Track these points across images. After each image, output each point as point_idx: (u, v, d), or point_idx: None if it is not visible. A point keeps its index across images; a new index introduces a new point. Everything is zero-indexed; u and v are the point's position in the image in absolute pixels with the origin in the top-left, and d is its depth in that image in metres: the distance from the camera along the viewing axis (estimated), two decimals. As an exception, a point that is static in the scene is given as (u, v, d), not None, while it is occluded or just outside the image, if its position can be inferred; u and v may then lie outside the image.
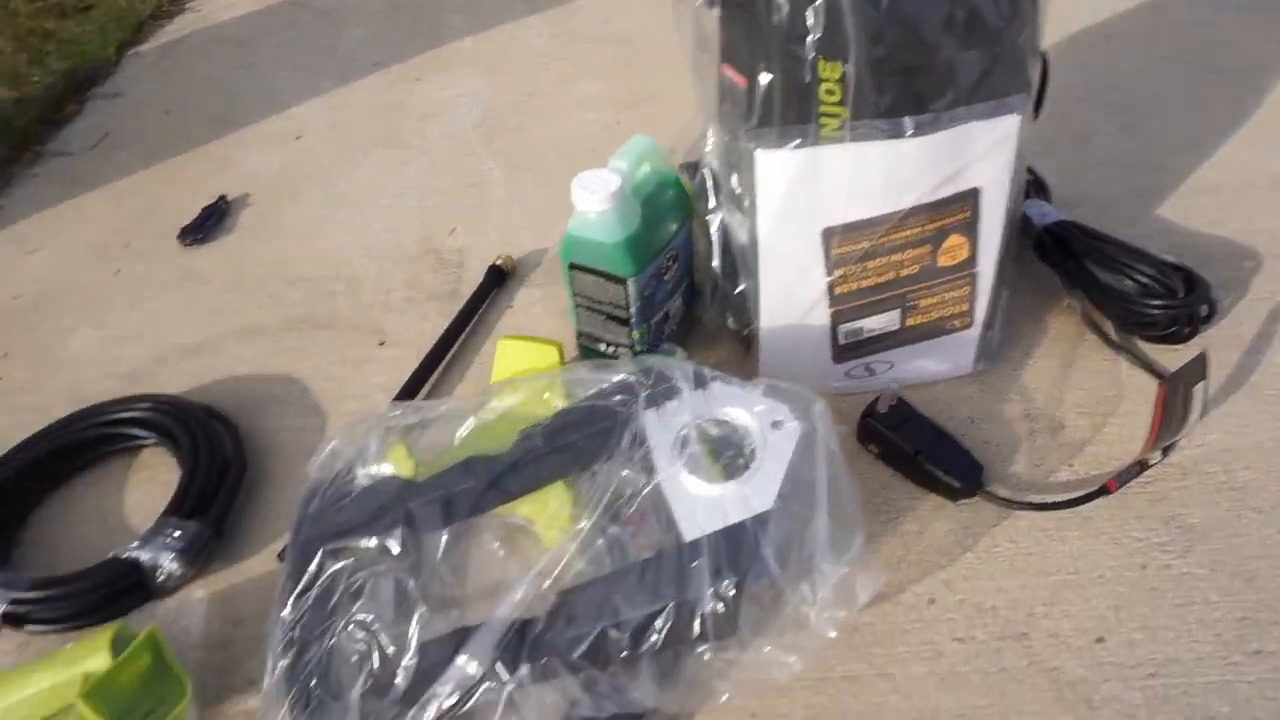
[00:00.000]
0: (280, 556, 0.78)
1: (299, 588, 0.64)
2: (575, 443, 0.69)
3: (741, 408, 0.68)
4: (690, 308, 0.94)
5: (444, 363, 0.94)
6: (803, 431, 0.65)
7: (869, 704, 0.67)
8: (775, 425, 0.66)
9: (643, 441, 0.68)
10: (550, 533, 0.73)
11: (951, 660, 0.69)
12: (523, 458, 0.71)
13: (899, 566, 0.74)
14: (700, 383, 0.69)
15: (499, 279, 1.03)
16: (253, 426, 0.89)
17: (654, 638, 0.59)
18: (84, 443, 0.86)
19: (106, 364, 0.99)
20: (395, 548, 0.64)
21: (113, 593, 0.74)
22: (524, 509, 0.73)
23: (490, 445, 0.75)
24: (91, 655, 0.66)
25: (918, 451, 0.78)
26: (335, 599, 0.62)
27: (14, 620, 0.74)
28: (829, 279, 0.78)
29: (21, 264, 1.16)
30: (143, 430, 0.86)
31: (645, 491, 0.66)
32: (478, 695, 0.61)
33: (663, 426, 0.68)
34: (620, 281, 0.81)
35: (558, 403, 0.74)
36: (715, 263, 0.86)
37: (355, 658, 0.60)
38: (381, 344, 0.98)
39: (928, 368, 0.87)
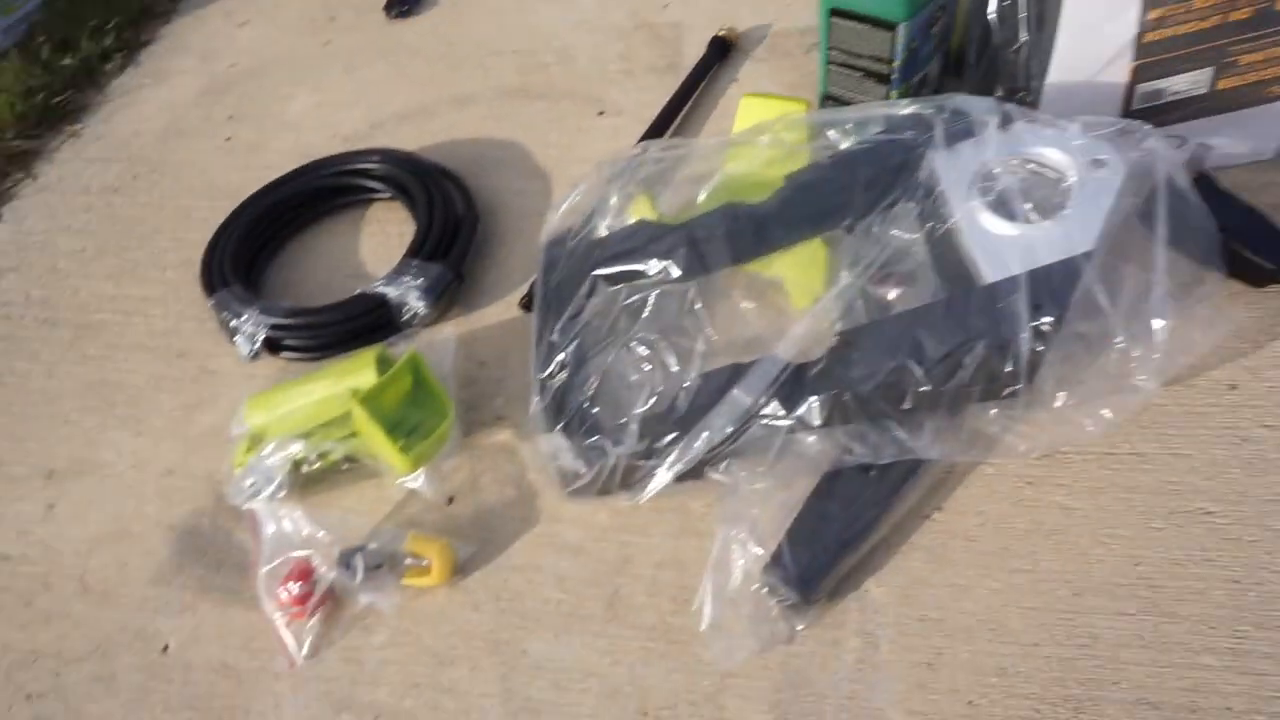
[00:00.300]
0: (523, 304, 0.76)
1: (568, 313, 0.63)
2: (855, 183, 0.63)
3: (1055, 147, 0.60)
4: (940, 80, 0.85)
5: (670, 131, 0.90)
6: (1130, 169, 0.58)
7: (1161, 481, 0.61)
8: (1096, 164, 0.59)
9: (935, 181, 0.62)
10: (800, 294, 0.69)
11: (1260, 446, 0.62)
12: (788, 204, 0.66)
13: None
14: (1006, 120, 0.62)
15: (722, 51, 0.96)
16: (478, 187, 0.87)
17: (961, 374, 0.55)
18: (323, 190, 0.86)
19: (326, 127, 0.98)
20: (677, 270, 0.61)
21: (362, 325, 0.75)
22: (778, 265, 0.69)
23: (742, 197, 0.71)
24: (359, 372, 0.66)
25: (1223, 229, 0.69)
26: (612, 320, 0.60)
27: (271, 346, 0.76)
28: (1141, 22, 0.68)
29: (233, 36, 1.16)
30: (377, 183, 0.85)
31: (938, 235, 0.61)
32: (751, 430, 0.59)
33: (958, 165, 0.61)
34: (889, 28, 0.73)
35: (831, 141, 0.68)
36: (992, 13, 0.76)
37: (636, 377, 0.58)
38: (601, 113, 0.94)
39: (1226, 147, 0.76)
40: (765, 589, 0.58)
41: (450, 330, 0.76)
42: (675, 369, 0.57)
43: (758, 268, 0.70)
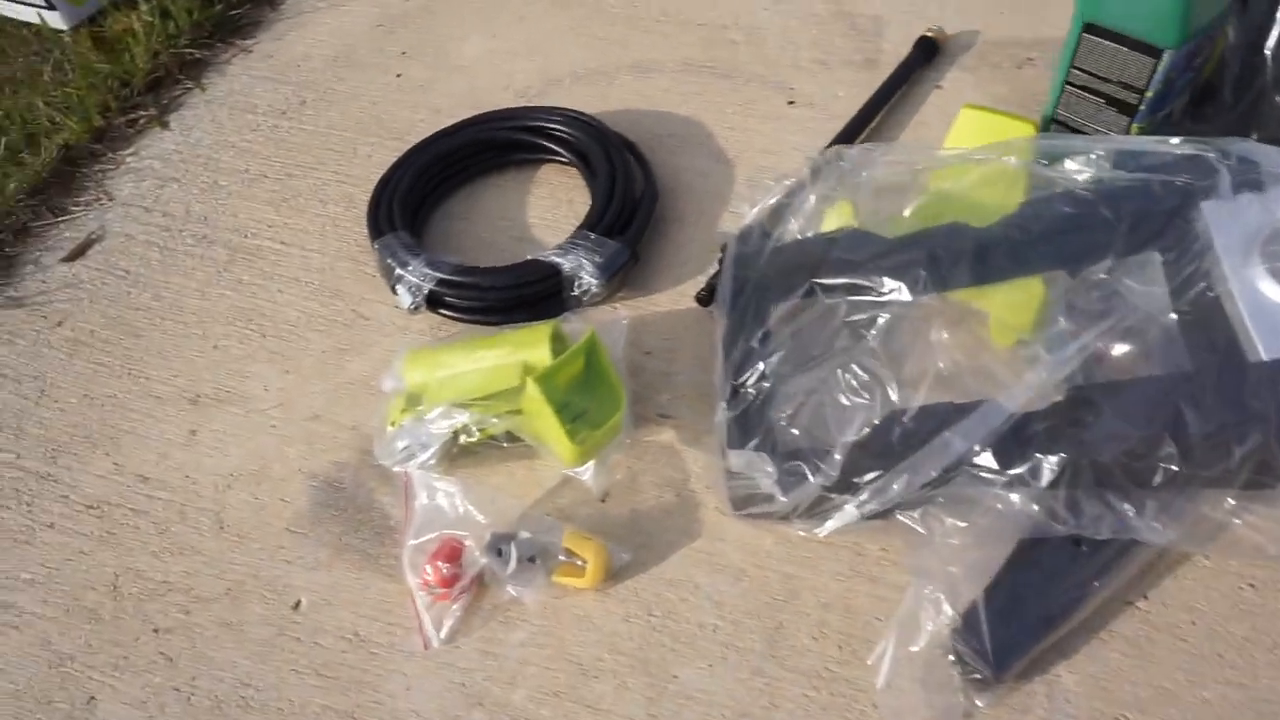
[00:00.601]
0: (699, 297, 0.71)
1: (774, 319, 0.57)
2: (1120, 222, 0.56)
3: (1365, 215, 0.53)
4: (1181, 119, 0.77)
5: (865, 133, 0.83)
6: None
7: None
8: None
9: (1207, 235, 0.55)
10: (1004, 332, 0.63)
11: None
12: (1030, 233, 0.59)
13: None
14: (1307, 176, 0.54)
15: (929, 53, 0.89)
16: (656, 162, 0.82)
17: (1228, 461, 0.48)
18: (498, 144, 0.82)
19: (499, 76, 0.94)
20: (911, 291, 0.55)
21: (530, 294, 0.71)
22: (990, 297, 0.63)
23: (957, 217, 0.65)
24: (533, 346, 0.62)
25: None
26: (829, 334, 0.55)
27: (430, 300, 0.72)
28: None
29: (408, -32, 1.12)
30: (556, 145, 0.81)
31: (1201, 296, 0.54)
32: (957, 478, 0.53)
33: (1240, 221, 0.54)
34: (1153, 54, 0.66)
35: (1067, 171, 0.62)
36: (1270, 48, 0.68)
37: (849, 402, 0.53)
38: (791, 103, 0.88)
39: None
40: (952, 657, 0.53)
41: (627, 313, 0.71)
42: (895, 399, 0.52)
43: (968, 296, 0.64)
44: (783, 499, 0.52)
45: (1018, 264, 0.58)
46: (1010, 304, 0.64)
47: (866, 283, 0.55)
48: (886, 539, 0.59)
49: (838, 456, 0.52)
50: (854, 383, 0.52)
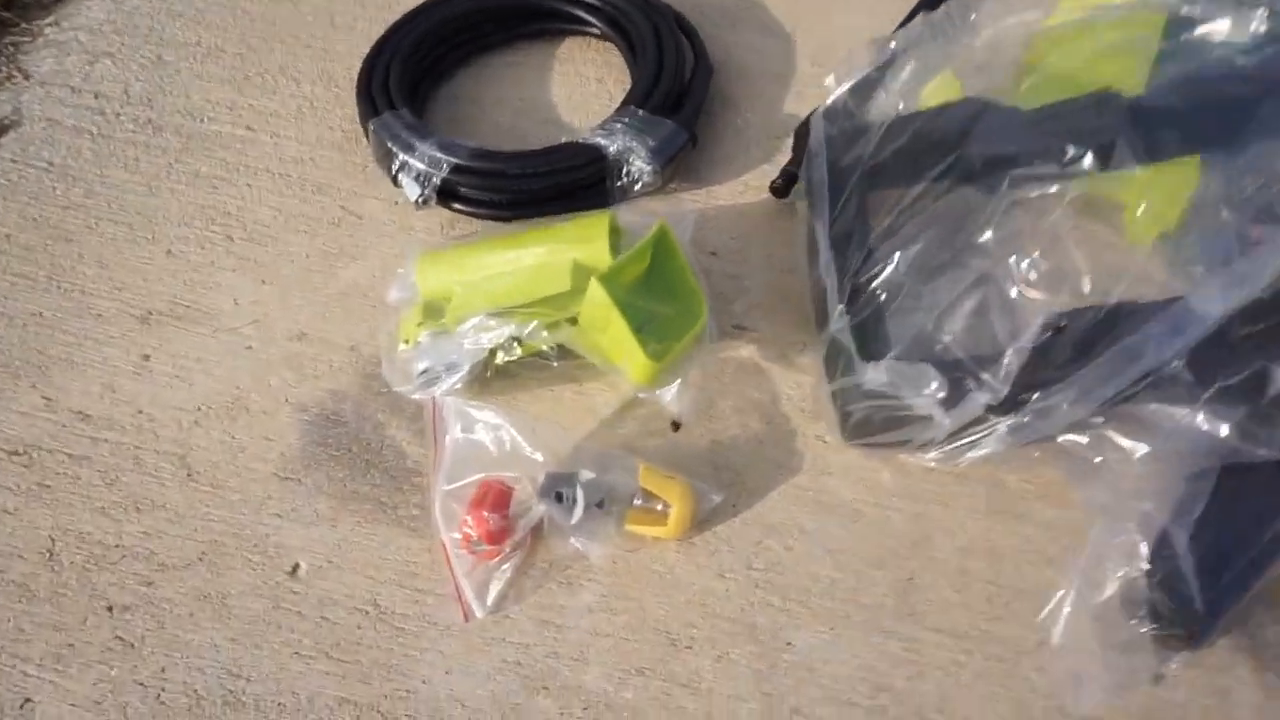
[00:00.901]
0: (774, 189, 0.59)
1: (899, 209, 0.45)
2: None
3: None
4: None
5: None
6: None
7: None
8: None
9: None
10: (1145, 225, 0.53)
11: None
12: (1248, 88, 0.48)
13: None
14: None
15: (1005, -83, 0.77)
16: (704, 36, 0.69)
17: None
18: (513, 12, 0.67)
19: (499, -58, 0.79)
20: (1098, 163, 0.43)
21: (566, 183, 0.57)
22: (1126, 187, 0.52)
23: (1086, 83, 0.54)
24: (587, 242, 0.50)
25: None
26: (983, 221, 0.43)
27: (442, 194, 0.58)
28: None
29: None
30: (589, 15, 0.66)
31: None
32: (1137, 396, 0.42)
33: None
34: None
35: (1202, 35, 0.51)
36: None
37: (1025, 300, 0.41)
38: (850, -25, 0.75)
39: None
40: (1144, 612, 0.42)
41: (694, 204, 0.58)
42: (1088, 291, 0.40)
43: (1099, 184, 0.53)
44: (945, 421, 0.41)
45: (1238, 130, 0.46)
46: (1157, 193, 0.53)
47: (1040, 155, 0.43)
48: (1032, 469, 0.49)
49: (1008, 367, 0.40)
50: (1032, 274, 0.41)
